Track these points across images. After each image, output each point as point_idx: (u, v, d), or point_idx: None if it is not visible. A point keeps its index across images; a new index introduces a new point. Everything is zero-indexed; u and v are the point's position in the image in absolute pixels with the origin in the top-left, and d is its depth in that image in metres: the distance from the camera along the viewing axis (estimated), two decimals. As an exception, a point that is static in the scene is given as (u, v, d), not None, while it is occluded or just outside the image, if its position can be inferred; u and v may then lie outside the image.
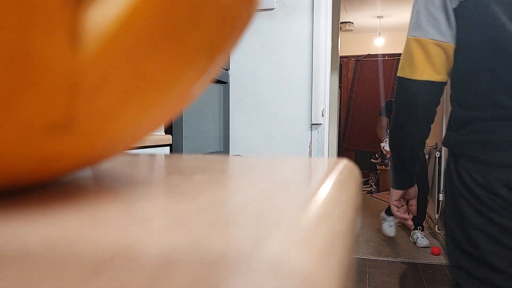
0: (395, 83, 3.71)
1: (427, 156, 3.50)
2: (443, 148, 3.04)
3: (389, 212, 3.23)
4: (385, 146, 3.99)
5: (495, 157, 0.89)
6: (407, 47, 0.97)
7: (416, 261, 2.70)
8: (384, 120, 3.95)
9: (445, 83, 0.97)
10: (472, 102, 0.93)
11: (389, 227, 3.13)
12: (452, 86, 0.99)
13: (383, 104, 4.16)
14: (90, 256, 0.09)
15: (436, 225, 3.34)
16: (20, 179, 0.15)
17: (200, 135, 1.72)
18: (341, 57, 4.58)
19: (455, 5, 0.91)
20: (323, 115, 1.94)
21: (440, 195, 3.09)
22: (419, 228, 3.08)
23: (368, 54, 6.14)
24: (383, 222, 3.25)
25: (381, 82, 6.02)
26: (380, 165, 5.28)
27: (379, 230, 3.32)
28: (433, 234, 3.37)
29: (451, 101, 1.01)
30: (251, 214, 0.13)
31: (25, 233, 0.11)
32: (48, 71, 0.11)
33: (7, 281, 0.08)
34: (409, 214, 1.10)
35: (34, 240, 0.10)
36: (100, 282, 0.08)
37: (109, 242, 0.10)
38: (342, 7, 4.29)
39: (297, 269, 0.08)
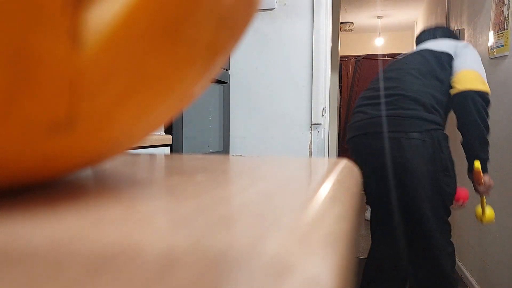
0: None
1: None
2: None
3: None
4: None
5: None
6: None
7: (416, 261, 2.69)
8: None
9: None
10: None
11: None
12: None
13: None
14: (92, 255, 0.09)
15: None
16: (22, 178, 0.15)
17: (200, 135, 1.72)
18: (341, 57, 4.58)
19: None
20: (323, 115, 1.94)
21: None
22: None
23: (368, 54, 6.13)
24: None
25: (381, 82, 6.02)
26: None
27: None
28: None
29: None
30: (252, 214, 0.13)
31: (27, 233, 0.11)
32: (50, 70, 0.11)
33: (9, 280, 0.08)
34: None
35: (36, 240, 0.10)
36: (102, 281, 0.08)
37: (111, 242, 0.10)
38: (342, 7, 4.29)
39: (297, 269, 0.08)
